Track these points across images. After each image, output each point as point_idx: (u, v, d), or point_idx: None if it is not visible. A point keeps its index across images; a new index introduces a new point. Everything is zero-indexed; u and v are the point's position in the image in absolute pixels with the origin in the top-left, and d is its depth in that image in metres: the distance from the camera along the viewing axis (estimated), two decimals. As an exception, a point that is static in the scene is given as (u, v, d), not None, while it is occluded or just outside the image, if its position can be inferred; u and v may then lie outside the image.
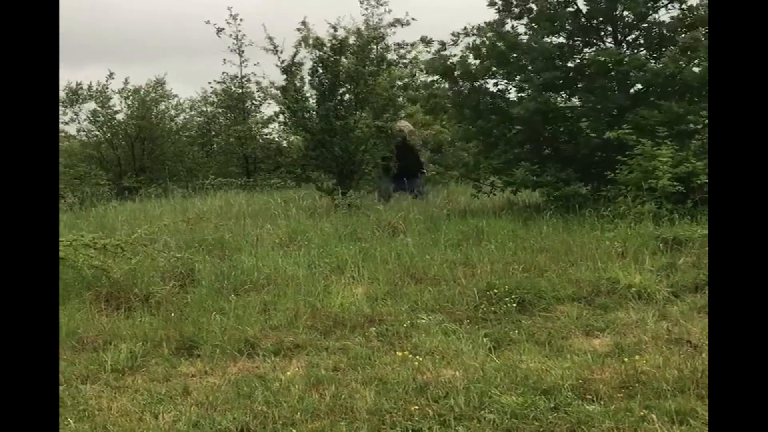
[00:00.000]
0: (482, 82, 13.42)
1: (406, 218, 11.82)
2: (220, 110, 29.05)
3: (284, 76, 15.85)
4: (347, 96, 15.81)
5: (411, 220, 11.64)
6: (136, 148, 26.41)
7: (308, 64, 15.81)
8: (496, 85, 13.56)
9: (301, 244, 10.35)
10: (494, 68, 12.92)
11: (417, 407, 4.56)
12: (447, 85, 14.25)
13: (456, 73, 13.33)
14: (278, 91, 16.14)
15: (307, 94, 16.12)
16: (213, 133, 29.36)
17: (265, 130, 25.77)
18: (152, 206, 16.59)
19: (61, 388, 5.17)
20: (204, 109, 29.47)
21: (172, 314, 6.74)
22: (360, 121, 15.79)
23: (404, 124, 18.10)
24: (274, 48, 15.69)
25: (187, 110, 29.28)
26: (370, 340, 6.16)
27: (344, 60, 15.11)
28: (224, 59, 26.81)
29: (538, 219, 10.99)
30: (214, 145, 29.26)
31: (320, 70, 15.57)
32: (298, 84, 15.89)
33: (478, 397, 4.68)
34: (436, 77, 14.67)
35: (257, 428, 4.43)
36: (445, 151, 21.25)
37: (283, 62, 15.81)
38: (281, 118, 17.20)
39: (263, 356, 5.86)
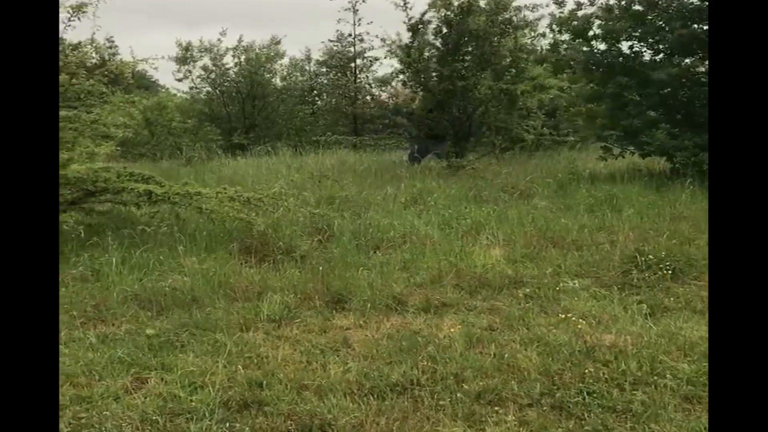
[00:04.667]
0: (616, 43, 13.02)
1: (532, 182, 11.69)
2: (324, 69, 29.21)
3: (409, 34, 15.67)
4: (469, 57, 15.52)
5: (537, 184, 11.49)
6: (247, 106, 26.73)
7: (432, 25, 15.60)
8: (631, 48, 13.13)
9: (428, 205, 10.34)
10: (629, 29, 12.50)
11: (589, 370, 4.49)
12: (576, 47, 13.85)
13: (591, 33, 12.97)
14: (400, 49, 15.96)
15: (427, 54, 15.93)
16: (315, 92, 29.59)
17: (377, 91, 25.73)
18: (265, 163, 16.84)
19: (220, 334, 5.32)
20: (306, 68, 29.68)
21: (320, 268, 6.81)
22: (481, 82, 15.54)
23: None
24: (404, 4, 15.53)
25: (292, 71, 29.58)
26: (519, 302, 6.10)
27: (470, 20, 14.81)
28: (338, 19, 27.10)
29: (672, 186, 10.68)
30: (318, 103, 29.49)
31: (445, 30, 15.32)
32: (421, 43, 15.71)
33: (649, 363, 4.58)
34: (564, 38, 14.27)
35: (427, 383, 4.40)
36: (559, 116, 20.83)
37: (410, 19, 15.63)
38: (401, 77, 17.07)
39: (413, 313, 5.86)
